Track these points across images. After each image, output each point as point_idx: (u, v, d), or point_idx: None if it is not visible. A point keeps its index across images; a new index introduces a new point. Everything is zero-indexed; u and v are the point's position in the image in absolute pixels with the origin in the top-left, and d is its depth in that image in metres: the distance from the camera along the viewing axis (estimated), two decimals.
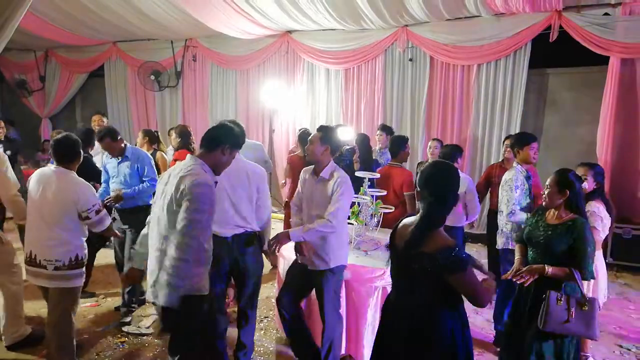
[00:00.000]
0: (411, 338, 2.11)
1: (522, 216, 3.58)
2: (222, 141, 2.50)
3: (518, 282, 2.74)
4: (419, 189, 2.14)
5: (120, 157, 4.12)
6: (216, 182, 2.47)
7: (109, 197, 4.08)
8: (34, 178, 3.14)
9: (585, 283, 3.24)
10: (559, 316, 2.59)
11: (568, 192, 2.71)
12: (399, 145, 4.71)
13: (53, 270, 3.04)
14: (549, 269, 2.65)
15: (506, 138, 5.25)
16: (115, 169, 4.16)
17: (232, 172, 2.95)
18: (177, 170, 2.43)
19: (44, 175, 3.12)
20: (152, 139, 5.46)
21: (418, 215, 2.12)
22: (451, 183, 2.11)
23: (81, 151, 3.24)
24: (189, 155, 2.53)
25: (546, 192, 2.81)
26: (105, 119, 6.38)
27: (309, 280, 3.17)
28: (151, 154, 5.30)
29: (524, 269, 2.74)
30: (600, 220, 3.22)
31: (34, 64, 10.06)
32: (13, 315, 3.64)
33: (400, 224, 2.25)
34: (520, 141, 3.86)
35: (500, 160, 5.39)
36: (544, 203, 2.85)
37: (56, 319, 3.15)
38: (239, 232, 3.12)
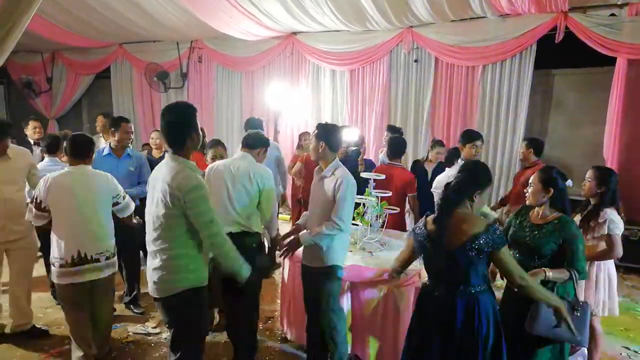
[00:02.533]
0: (468, 324, 2.26)
1: None
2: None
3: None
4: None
5: (120, 155, 4.18)
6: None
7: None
8: (64, 181, 3.07)
9: (592, 286, 3.25)
10: (548, 320, 2.43)
11: (552, 190, 2.63)
12: (401, 146, 4.69)
13: (105, 261, 3.16)
14: (549, 273, 2.50)
15: (524, 140, 5.15)
16: (115, 168, 4.00)
17: (237, 171, 3.18)
18: (162, 174, 2.40)
19: (72, 176, 3.10)
20: None
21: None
22: (462, 175, 2.38)
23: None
24: (169, 155, 2.46)
25: (529, 190, 2.72)
26: (107, 120, 6.11)
27: (308, 278, 3.18)
28: (161, 156, 5.31)
29: None
30: (618, 227, 3.09)
31: (41, 66, 10.12)
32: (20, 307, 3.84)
33: (430, 224, 2.38)
34: (464, 138, 4.16)
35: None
36: (527, 202, 2.77)
37: (109, 306, 3.37)
38: (236, 230, 3.15)
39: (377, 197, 3.90)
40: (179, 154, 2.41)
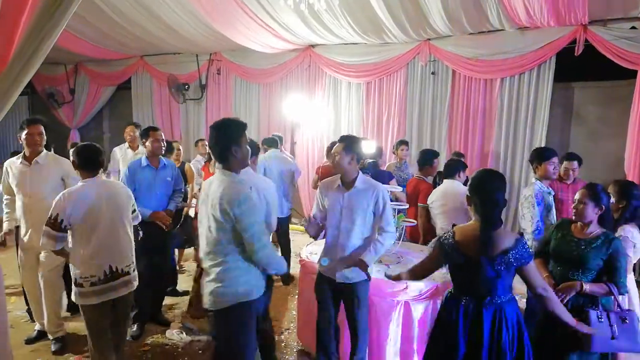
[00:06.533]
0: (494, 332, 2.30)
1: None
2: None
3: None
4: (469, 195, 2.41)
5: (157, 166, 4.09)
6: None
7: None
8: (87, 195, 2.91)
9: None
10: (603, 334, 2.53)
11: (604, 207, 2.71)
12: (428, 159, 4.78)
13: (133, 272, 3.14)
14: (587, 286, 2.62)
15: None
16: (153, 179, 4.01)
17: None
18: (213, 189, 2.49)
19: (94, 189, 2.95)
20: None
21: (475, 221, 2.37)
22: (499, 186, 2.36)
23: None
24: (218, 170, 2.56)
25: (579, 207, 2.74)
26: (137, 130, 5.79)
27: (340, 295, 3.13)
28: (179, 166, 5.35)
29: (559, 287, 2.69)
30: (633, 246, 3.06)
31: (64, 77, 10.39)
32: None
33: (459, 236, 2.39)
34: (540, 156, 3.81)
35: None
36: (574, 217, 2.79)
37: (129, 321, 3.34)
38: None
39: (395, 209, 3.90)
40: (226, 168, 2.50)
